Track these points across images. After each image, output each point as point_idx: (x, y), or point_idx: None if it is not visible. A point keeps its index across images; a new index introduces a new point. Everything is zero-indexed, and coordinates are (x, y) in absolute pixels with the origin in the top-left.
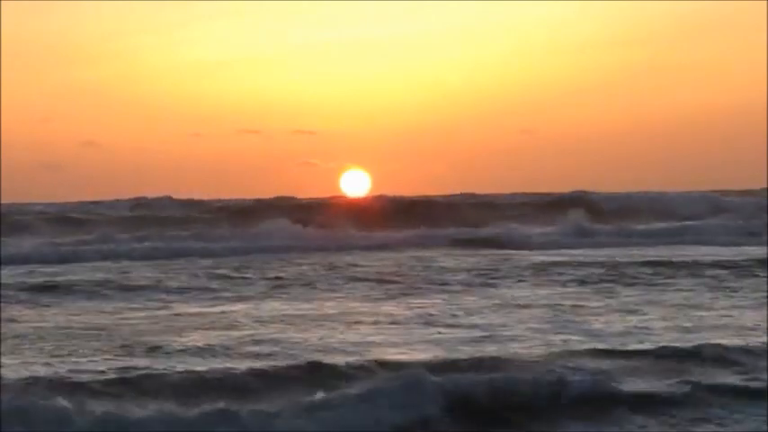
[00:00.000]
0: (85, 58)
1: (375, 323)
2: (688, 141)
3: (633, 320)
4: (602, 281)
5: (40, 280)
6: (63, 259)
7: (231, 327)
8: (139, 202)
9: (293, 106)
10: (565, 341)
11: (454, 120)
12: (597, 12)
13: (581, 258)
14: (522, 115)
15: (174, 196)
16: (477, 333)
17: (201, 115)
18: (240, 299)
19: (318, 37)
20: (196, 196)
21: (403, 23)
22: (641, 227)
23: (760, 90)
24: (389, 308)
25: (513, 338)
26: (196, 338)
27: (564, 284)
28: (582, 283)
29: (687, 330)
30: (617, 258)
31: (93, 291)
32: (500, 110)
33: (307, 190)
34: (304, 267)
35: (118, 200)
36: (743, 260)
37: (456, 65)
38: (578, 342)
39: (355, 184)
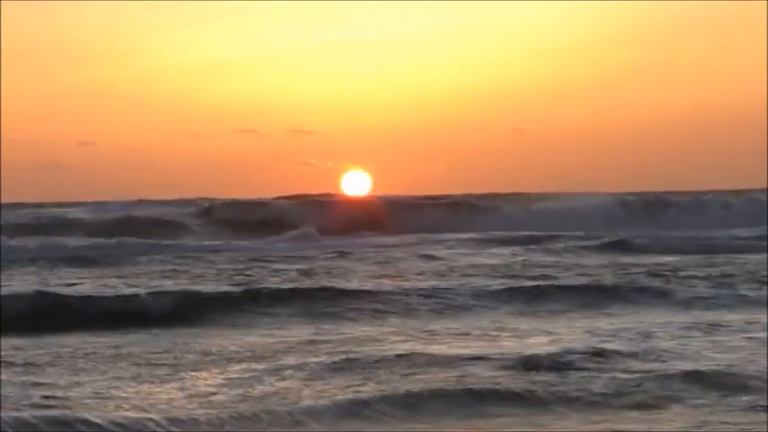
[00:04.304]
0: (85, 58)
1: None
2: (686, 141)
3: None
4: None
5: None
6: None
7: None
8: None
9: (291, 106)
10: None
11: (451, 119)
12: (592, 11)
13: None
14: (518, 115)
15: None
16: None
17: (200, 115)
18: None
19: (317, 37)
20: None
21: (400, 24)
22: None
23: (760, 90)
24: None
25: None
26: None
27: None
28: None
29: None
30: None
31: None
32: (495, 109)
33: (306, 190)
34: None
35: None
36: None
37: (452, 65)
38: None
39: (354, 184)
